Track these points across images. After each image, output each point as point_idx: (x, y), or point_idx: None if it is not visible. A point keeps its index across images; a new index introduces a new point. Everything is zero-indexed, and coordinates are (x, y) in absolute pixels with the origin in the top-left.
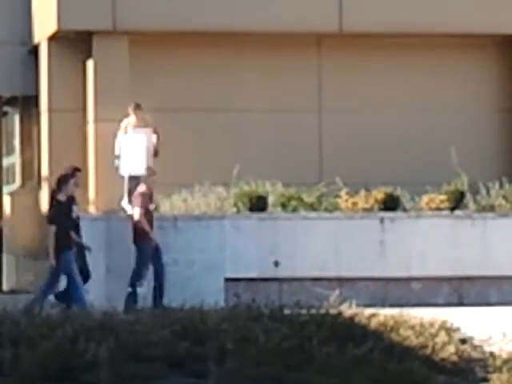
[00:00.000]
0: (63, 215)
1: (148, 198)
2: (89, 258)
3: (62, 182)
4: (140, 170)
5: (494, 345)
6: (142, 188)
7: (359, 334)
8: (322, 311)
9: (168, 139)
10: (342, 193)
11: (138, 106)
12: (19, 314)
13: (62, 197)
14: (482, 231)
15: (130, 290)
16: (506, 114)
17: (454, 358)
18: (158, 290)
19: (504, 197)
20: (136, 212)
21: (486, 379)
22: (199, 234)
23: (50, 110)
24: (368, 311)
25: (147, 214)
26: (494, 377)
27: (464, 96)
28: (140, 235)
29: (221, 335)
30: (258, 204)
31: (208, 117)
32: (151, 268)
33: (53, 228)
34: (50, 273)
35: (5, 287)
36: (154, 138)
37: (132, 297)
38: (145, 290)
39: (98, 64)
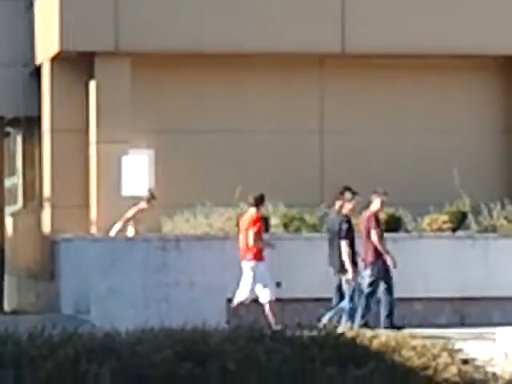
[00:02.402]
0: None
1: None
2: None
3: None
4: (141, 190)
5: (496, 366)
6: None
7: (361, 354)
8: (324, 332)
9: (170, 160)
10: None
11: (153, 196)
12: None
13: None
14: (483, 252)
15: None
16: (508, 135)
17: (457, 379)
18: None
19: (506, 217)
20: None
21: None
22: (201, 254)
23: (53, 130)
24: (370, 332)
25: None
26: None
27: (466, 117)
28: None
29: (223, 356)
30: None
31: (210, 138)
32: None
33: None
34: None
35: (6, 308)
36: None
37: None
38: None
39: (100, 85)
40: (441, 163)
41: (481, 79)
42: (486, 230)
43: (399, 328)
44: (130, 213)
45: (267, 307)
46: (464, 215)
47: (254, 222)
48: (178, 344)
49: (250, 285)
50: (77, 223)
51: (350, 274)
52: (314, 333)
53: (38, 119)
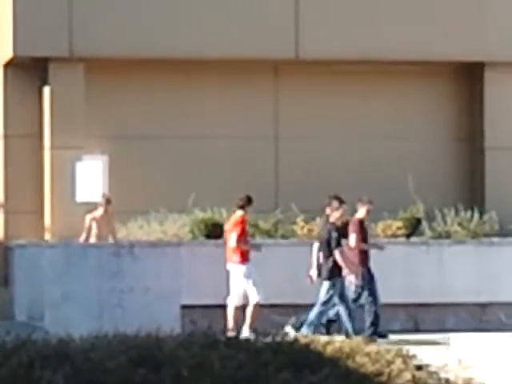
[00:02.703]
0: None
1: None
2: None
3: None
4: (96, 196)
5: (449, 372)
6: None
7: (315, 361)
8: (278, 338)
9: (124, 166)
10: (298, 220)
11: (108, 201)
12: None
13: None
14: (437, 258)
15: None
16: (462, 142)
17: None
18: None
19: (460, 224)
20: None
21: None
22: (155, 260)
23: (6, 136)
24: (324, 338)
25: None
26: None
27: (420, 123)
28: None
29: (177, 362)
30: (215, 231)
31: (164, 143)
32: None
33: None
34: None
35: None
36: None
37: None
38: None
39: (54, 90)
40: (395, 169)
41: (435, 85)
42: (440, 236)
43: (383, 336)
44: (87, 222)
45: (250, 309)
46: (418, 221)
47: (237, 224)
48: (132, 350)
49: (239, 287)
50: (30, 229)
51: (348, 278)
52: (269, 339)
53: None
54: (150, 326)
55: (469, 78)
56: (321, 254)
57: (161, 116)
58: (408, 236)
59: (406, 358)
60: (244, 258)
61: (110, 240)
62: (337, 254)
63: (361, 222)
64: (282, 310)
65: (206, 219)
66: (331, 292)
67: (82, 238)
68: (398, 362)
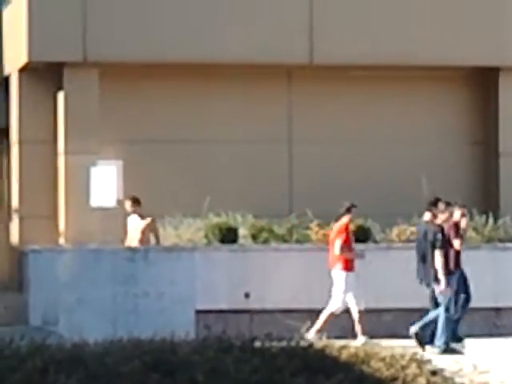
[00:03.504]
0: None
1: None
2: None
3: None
4: (110, 201)
5: (464, 376)
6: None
7: (330, 365)
8: (293, 343)
9: (138, 171)
10: (313, 224)
11: (136, 201)
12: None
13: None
14: None
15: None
16: (476, 146)
17: None
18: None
19: (474, 229)
20: None
21: None
22: (170, 265)
23: (21, 141)
24: (339, 343)
25: None
26: None
27: (434, 128)
28: None
29: (191, 367)
30: (229, 236)
31: (179, 148)
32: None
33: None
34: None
35: None
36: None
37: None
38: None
39: (68, 96)
40: (409, 174)
41: (450, 90)
42: None
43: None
44: (145, 231)
45: (324, 318)
46: None
47: (341, 232)
48: (146, 355)
49: (342, 294)
50: (45, 234)
51: (442, 285)
52: (283, 344)
53: (7, 130)
54: (165, 330)
55: (484, 82)
56: (418, 256)
57: (175, 121)
58: None
59: (421, 363)
60: (347, 265)
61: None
62: (437, 257)
63: (456, 225)
64: (297, 314)
65: (220, 224)
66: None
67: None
68: (413, 367)
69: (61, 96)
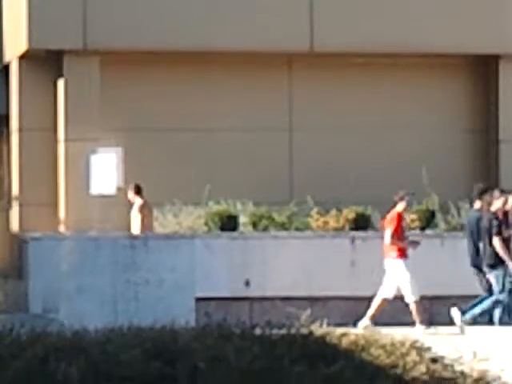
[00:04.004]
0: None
1: None
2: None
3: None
4: (111, 189)
5: (464, 364)
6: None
7: (330, 353)
8: (293, 331)
9: (139, 159)
10: (313, 212)
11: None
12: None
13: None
14: (452, 251)
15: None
16: (476, 134)
17: (425, 378)
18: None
19: None
20: None
21: None
22: (170, 253)
23: (21, 129)
24: (339, 330)
25: None
26: None
27: (435, 116)
28: None
29: (192, 355)
30: (229, 223)
31: (179, 136)
32: None
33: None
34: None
35: None
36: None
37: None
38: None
39: (68, 83)
40: (409, 161)
41: (450, 78)
42: (454, 229)
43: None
44: (139, 213)
45: (413, 306)
46: (432, 214)
47: (393, 220)
48: (146, 343)
49: (394, 282)
50: (45, 222)
51: (510, 266)
52: (283, 331)
53: (7, 117)
54: (165, 318)
55: (484, 70)
56: (471, 244)
57: (175, 108)
58: (422, 228)
59: (421, 351)
60: (401, 253)
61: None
62: (497, 243)
63: (506, 213)
64: (297, 302)
65: (220, 211)
66: (501, 279)
67: (137, 231)
68: (413, 355)
69: (61, 83)
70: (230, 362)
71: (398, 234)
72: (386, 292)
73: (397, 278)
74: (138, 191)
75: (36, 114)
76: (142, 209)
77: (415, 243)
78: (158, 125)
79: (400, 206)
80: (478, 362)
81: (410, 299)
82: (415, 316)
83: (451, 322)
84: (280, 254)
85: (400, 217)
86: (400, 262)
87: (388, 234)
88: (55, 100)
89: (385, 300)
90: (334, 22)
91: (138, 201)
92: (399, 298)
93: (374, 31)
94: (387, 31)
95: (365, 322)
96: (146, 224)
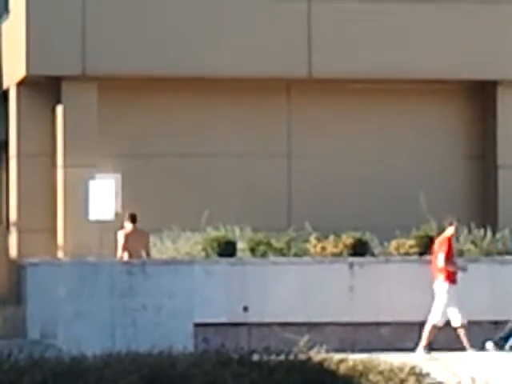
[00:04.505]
0: None
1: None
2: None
3: None
4: (109, 215)
5: None
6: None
7: (329, 379)
8: (291, 356)
9: (137, 184)
10: (311, 238)
11: (133, 218)
12: None
13: None
14: None
15: None
16: (475, 160)
17: None
18: None
19: (473, 242)
20: None
21: None
22: (168, 278)
23: (19, 155)
24: (337, 356)
25: None
26: None
27: (433, 142)
28: None
29: (190, 380)
30: (227, 249)
31: (177, 162)
32: None
33: None
34: None
35: None
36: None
37: None
38: None
39: (67, 109)
40: (408, 187)
41: (448, 104)
42: None
43: None
44: (120, 240)
45: (461, 331)
46: (431, 239)
47: (444, 244)
48: (144, 368)
49: (443, 307)
50: (43, 248)
51: None
52: (282, 357)
53: (5, 143)
54: (163, 344)
55: (482, 96)
56: None
57: (174, 134)
58: (421, 254)
59: (420, 377)
60: (450, 278)
61: (144, 256)
62: None
63: None
64: (295, 328)
65: (218, 237)
66: None
67: (118, 255)
68: (412, 381)
69: (59, 109)
70: None
71: (449, 258)
72: (435, 317)
73: (444, 303)
74: (132, 220)
75: (34, 139)
76: (126, 235)
77: (464, 267)
78: (156, 151)
79: (449, 231)
80: None
81: (434, 320)
82: (465, 341)
83: (451, 348)
84: (278, 279)
85: (450, 241)
86: (446, 285)
87: (441, 257)
88: (54, 126)
89: (435, 326)
90: (332, 49)
91: (126, 226)
92: (400, 323)
93: (371, 57)
94: (385, 57)
95: (420, 351)
96: (127, 251)
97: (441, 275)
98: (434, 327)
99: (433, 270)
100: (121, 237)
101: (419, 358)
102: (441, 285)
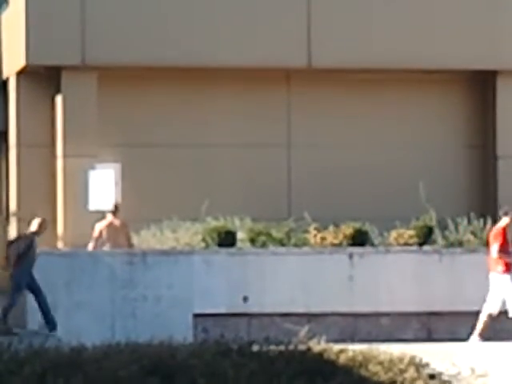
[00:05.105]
0: None
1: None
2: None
3: None
4: (109, 205)
5: (462, 380)
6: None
7: (328, 369)
8: (291, 347)
9: (137, 174)
10: (311, 228)
11: (115, 209)
12: None
13: None
14: (450, 267)
15: None
16: (474, 150)
17: None
18: None
19: (472, 232)
20: None
21: None
22: (168, 269)
23: (19, 145)
24: (337, 347)
25: None
26: None
27: (433, 132)
28: None
29: (189, 371)
30: (227, 239)
31: (177, 152)
32: None
33: None
34: None
35: None
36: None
37: None
38: None
39: (66, 99)
40: (407, 177)
41: (448, 93)
42: (452, 245)
43: None
44: (96, 230)
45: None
46: (430, 230)
47: (499, 235)
48: (144, 359)
49: (500, 296)
50: (43, 238)
51: None
52: (282, 348)
53: (5, 133)
54: (163, 334)
55: (481, 85)
56: None
57: (173, 124)
58: (420, 245)
59: (419, 367)
60: (507, 267)
61: (125, 248)
62: None
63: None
64: (295, 318)
65: (218, 227)
66: None
67: (90, 246)
68: (411, 371)
69: (59, 99)
70: (227, 379)
71: (504, 248)
72: (491, 307)
73: (503, 293)
74: (113, 211)
75: (34, 129)
76: (105, 227)
77: None
78: (156, 141)
79: (504, 221)
80: (476, 378)
81: (490, 311)
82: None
83: (450, 338)
84: (278, 270)
85: (505, 231)
86: (507, 277)
87: (495, 248)
88: (53, 116)
89: (490, 315)
90: (331, 38)
91: (107, 217)
92: (400, 314)
93: (371, 47)
94: (385, 47)
95: (474, 339)
96: (101, 241)
97: (499, 266)
98: (490, 316)
99: (489, 261)
100: (97, 228)
101: (472, 347)
102: (501, 277)
